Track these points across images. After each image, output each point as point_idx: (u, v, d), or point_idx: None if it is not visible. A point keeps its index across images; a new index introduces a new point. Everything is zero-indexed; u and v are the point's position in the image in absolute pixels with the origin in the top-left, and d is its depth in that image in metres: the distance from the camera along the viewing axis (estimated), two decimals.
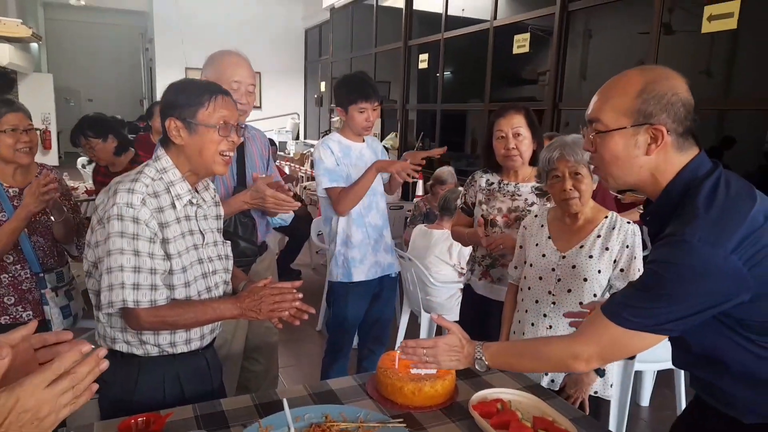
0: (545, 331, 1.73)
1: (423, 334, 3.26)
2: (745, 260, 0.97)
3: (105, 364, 0.74)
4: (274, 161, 3.80)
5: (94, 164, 3.44)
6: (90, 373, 0.72)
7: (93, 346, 0.77)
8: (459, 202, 2.39)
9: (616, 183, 1.16)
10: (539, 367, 1.41)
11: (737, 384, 1.10)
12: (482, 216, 2.22)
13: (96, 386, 0.73)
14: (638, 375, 3.11)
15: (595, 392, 1.72)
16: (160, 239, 1.37)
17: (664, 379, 3.12)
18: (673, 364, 1.25)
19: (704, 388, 1.20)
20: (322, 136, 3.69)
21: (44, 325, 2.43)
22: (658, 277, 1.04)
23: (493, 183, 2.24)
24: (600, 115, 1.13)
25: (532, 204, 2.15)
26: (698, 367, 1.18)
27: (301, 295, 1.45)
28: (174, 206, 1.41)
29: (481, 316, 2.18)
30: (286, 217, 2.76)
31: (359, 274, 2.48)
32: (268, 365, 2.40)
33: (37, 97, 9.45)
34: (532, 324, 1.76)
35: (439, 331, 3.31)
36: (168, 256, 1.38)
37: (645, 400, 3.14)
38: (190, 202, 1.46)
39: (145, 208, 1.34)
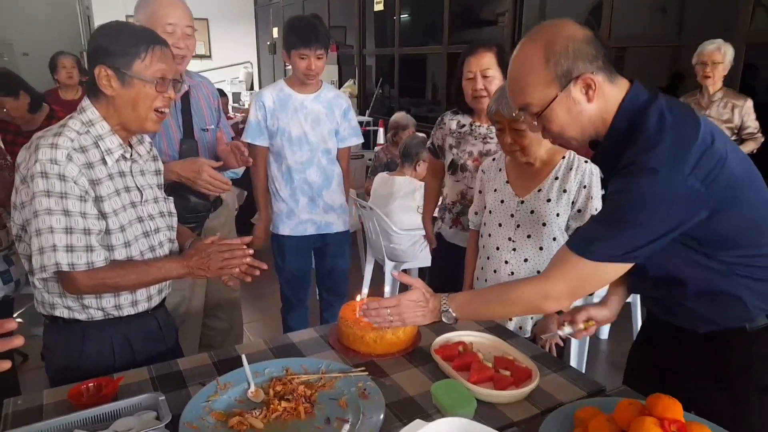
0: (507, 278, 1.72)
1: (387, 282, 3.26)
2: (701, 179, 1.01)
3: (19, 341, 0.69)
4: (225, 113, 3.63)
5: None
6: None
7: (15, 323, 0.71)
8: (428, 143, 2.32)
9: (579, 143, 1.17)
10: (509, 311, 1.40)
11: (693, 298, 1.15)
12: (452, 159, 2.16)
13: (7, 363, 0.68)
14: None
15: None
16: (92, 197, 1.27)
17: (621, 312, 3.24)
18: (630, 290, 1.29)
19: (659, 305, 1.26)
20: None
21: None
22: (621, 206, 1.06)
23: (464, 125, 2.17)
24: (527, 99, 1.13)
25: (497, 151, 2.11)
26: (655, 288, 1.22)
27: (251, 251, 1.39)
28: (105, 162, 1.31)
29: (453, 265, 2.16)
30: (237, 170, 2.65)
31: (285, 229, 2.46)
32: (231, 322, 2.36)
33: None
34: (495, 271, 1.75)
35: (421, 276, 3.34)
36: (103, 215, 1.29)
37: (604, 334, 3.26)
38: (123, 157, 1.36)
39: (72, 163, 1.23)
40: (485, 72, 2.01)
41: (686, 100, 3.26)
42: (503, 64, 2.04)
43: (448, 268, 2.21)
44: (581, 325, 1.30)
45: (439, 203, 2.34)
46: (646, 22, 4.09)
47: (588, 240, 1.10)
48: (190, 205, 1.93)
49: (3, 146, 3.09)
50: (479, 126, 2.15)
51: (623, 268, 1.11)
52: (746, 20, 3.24)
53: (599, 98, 1.09)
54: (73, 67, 4.20)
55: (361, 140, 2.59)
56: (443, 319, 1.30)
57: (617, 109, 1.10)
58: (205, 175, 1.79)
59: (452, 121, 2.20)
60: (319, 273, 2.66)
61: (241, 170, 2.18)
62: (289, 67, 2.42)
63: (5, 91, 2.76)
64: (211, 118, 2.14)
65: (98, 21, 9.40)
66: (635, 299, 2.94)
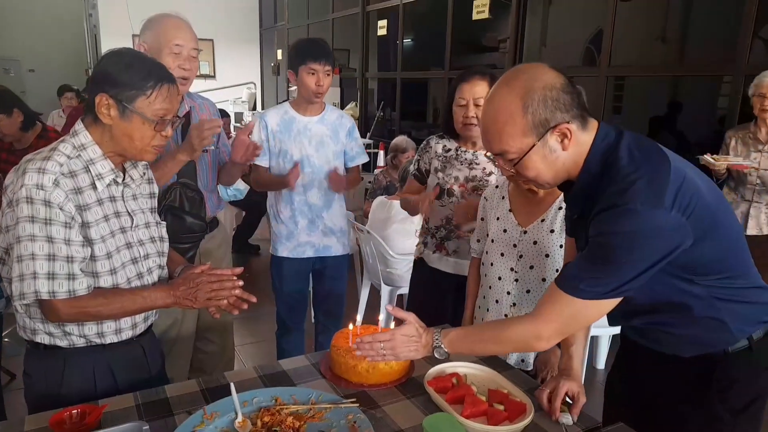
0: (509, 309, 1.69)
1: (383, 306, 3.23)
2: (682, 211, 1.04)
3: None
4: (227, 134, 3.64)
5: None
6: None
7: None
8: (412, 168, 2.29)
9: (552, 185, 1.21)
10: (500, 350, 1.40)
11: (678, 324, 1.19)
12: (438, 184, 2.15)
13: None
14: (594, 339, 3.18)
15: None
16: (79, 223, 1.25)
17: (618, 341, 3.20)
18: (610, 323, 1.30)
19: (640, 333, 1.28)
20: None
21: None
22: (607, 248, 1.07)
23: (450, 150, 2.16)
24: (503, 147, 1.14)
25: (490, 174, 2.10)
26: (636, 317, 1.23)
27: (241, 283, 1.36)
28: (95, 187, 1.29)
29: (436, 292, 2.14)
30: (241, 188, 2.64)
31: (284, 250, 2.44)
32: (223, 345, 2.33)
33: None
34: (496, 301, 1.72)
35: (400, 302, 3.31)
36: (89, 242, 1.26)
37: (601, 363, 3.22)
38: (115, 182, 1.34)
39: (59, 189, 1.20)
40: (477, 101, 2.01)
41: (737, 133, 3.08)
42: None
43: (431, 294, 2.18)
44: (574, 416, 1.25)
45: (422, 226, 2.31)
46: (645, 50, 4.13)
47: (577, 278, 1.11)
48: (186, 225, 1.92)
49: None
50: (465, 151, 2.13)
51: (613, 303, 1.12)
52: (744, 52, 3.26)
53: (573, 145, 1.12)
54: (71, 99, 4.39)
55: (367, 159, 2.59)
56: (435, 355, 1.29)
57: (589, 151, 1.13)
58: (201, 130, 1.79)
59: (438, 145, 2.19)
60: (316, 296, 2.63)
61: (245, 190, 2.18)
62: (293, 88, 2.43)
63: None
64: (212, 138, 2.14)
65: (105, 39, 9.49)
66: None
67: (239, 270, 1.39)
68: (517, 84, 1.10)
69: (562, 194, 1.64)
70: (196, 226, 1.95)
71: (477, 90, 2.01)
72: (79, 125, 1.31)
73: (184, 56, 1.90)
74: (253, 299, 1.38)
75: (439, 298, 2.13)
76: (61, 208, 1.21)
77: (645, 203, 1.02)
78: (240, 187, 2.38)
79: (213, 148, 2.13)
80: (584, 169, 1.13)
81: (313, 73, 2.26)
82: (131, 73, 1.25)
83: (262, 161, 2.36)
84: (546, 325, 1.16)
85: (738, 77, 3.28)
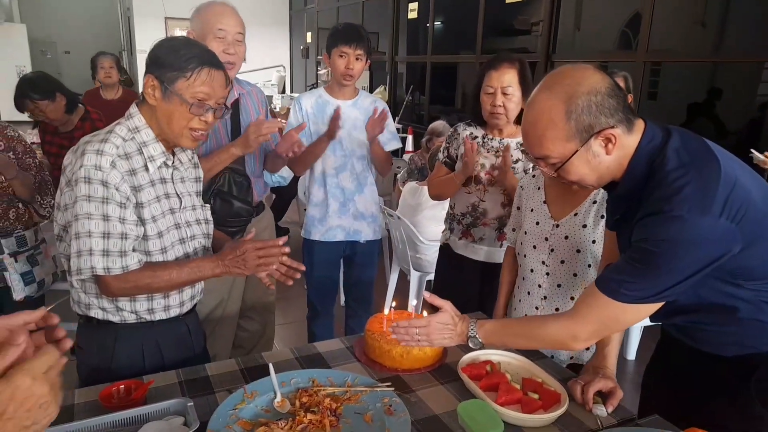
0: (540, 302, 1.69)
1: (412, 292, 3.25)
2: (732, 218, 1.00)
3: (68, 343, 0.72)
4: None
5: (36, 126, 3.17)
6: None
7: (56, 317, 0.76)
8: (441, 155, 2.28)
9: (596, 187, 1.21)
10: (535, 346, 1.40)
11: (721, 324, 1.17)
12: (475, 141, 2.12)
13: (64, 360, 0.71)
14: (625, 330, 3.15)
15: None
16: (133, 203, 1.30)
17: (650, 332, 3.17)
18: (651, 319, 1.27)
19: (681, 330, 1.26)
20: (309, 89, 3.58)
21: (5, 292, 2.37)
22: (652, 254, 1.05)
23: (477, 137, 2.15)
24: (545, 152, 1.12)
25: (517, 161, 2.08)
26: (678, 315, 1.21)
27: (288, 249, 1.40)
28: (147, 168, 1.33)
29: (462, 278, 2.14)
30: (285, 175, 2.68)
31: (315, 234, 2.46)
32: (264, 324, 2.39)
33: (12, 49, 9.04)
34: (528, 293, 1.72)
35: (429, 287, 3.32)
36: (142, 221, 1.31)
37: (632, 354, 3.19)
38: (165, 164, 1.38)
39: (115, 170, 1.26)
40: (506, 89, 1.99)
41: None
42: (525, 82, 2.02)
43: (456, 280, 2.17)
44: (609, 408, 1.25)
45: (447, 212, 2.31)
46: (684, 35, 4.00)
47: (618, 282, 1.10)
48: (234, 209, 1.97)
49: (42, 146, 3.19)
50: (492, 139, 2.12)
51: (654, 307, 1.11)
52: None
53: (618, 149, 1.09)
54: (111, 67, 4.28)
55: (400, 144, 2.59)
56: (470, 344, 1.31)
57: (634, 153, 1.10)
58: (259, 127, 1.85)
59: (465, 132, 2.17)
60: (347, 281, 2.67)
61: (289, 177, 2.21)
62: (322, 71, 2.44)
63: (42, 94, 2.82)
64: (269, 137, 2.18)
65: (138, 20, 9.63)
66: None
67: (284, 238, 1.43)
68: (559, 89, 1.08)
69: (599, 189, 1.63)
70: (243, 210, 2.00)
71: (505, 78, 1.99)
72: (133, 108, 1.35)
73: (228, 41, 1.94)
74: (302, 267, 1.43)
75: (464, 284, 2.14)
76: (117, 189, 1.26)
77: (692, 210, 0.99)
78: (284, 174, 2.41)
79: None
80: (629, 171, 1.11)
81: (343, 56, 2.27)
82: (176, 56, 1.29)
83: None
84: (584, 326, 1.16)
85: None
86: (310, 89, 4.31)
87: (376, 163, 2.45)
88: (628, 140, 1.10)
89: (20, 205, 2.38)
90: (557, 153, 1.10)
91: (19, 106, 2.85)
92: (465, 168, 2.09)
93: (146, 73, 1.31)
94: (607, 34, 4.69)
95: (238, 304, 2.18)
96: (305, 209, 2.58)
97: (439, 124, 4.13)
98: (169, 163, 1.39)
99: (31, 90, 2.80)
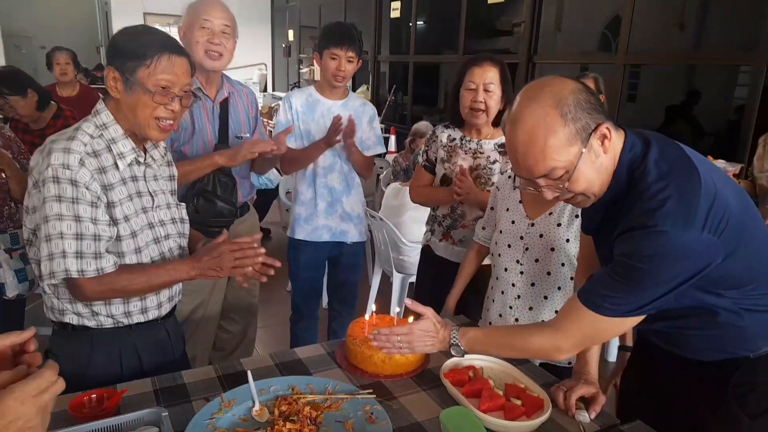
0: (514, 301, 1.69)
1: (395, 294, 3.23)
2: (713, 231, 1.00)
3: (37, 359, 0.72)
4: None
5: (7, 123, 3.04)
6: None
7: (32, 331, 0.74)
8: (420, 159, 2.27)
9: (599, 196, 1.12)
10: (518, 356, 1.39)
11: (700, 331, 1.17)
12: (444, 174, 2.13)
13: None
14: None
15: None
16: (105, 203, 1.25)
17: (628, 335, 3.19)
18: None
19: (659, 336, 1.26)
20: (291, 88, 3.54)
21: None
22: (635, 269, 1.04)
23: (455, 139, 2.14)
24: (550, 164, 1.05)
25: (495, 162, 2.07)
26: (658, 322, 1.20)
27: (263, 249, 1.36)
28: (117, 166, 1.29)
29: (443, 280, 2.12)
30: (272, 178, 2.64)
31: (301, 233, 2.43)
32: (246, 326, 2.35)
33: None
34: (502, 292, 1.72)
35: (411, 289, 3.31)
36: (114, 221, 1.27)
37: (612, 356, 3.20)
38: (136, 161, 1.34)
39: (84, 168, 1.21)
40: (488, 86, 1.98)
41: None
42: (505, 82, 2.02)
43: (436, 282, 2.17)
44: (591, 414, 1.25)
45: (429, 213, 2.30)
46: (662, 37, 4.05)
47: (601, 296, 1.09)
48: (216, 209, 1.94)
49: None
50: (470, 141, 2.11)
51: (636, 320, 1.11)
52: (767, 40, 3.18)
53: (610, 148, 1.08)
54: (67, 63, 4.07)
55: (384, 149, 2.57)
56: (452, 352, 1.29)
57: (618, 161, 1.09)
58: (253, 146, 1.87)
59: (443, 134, 2.17)
60: (331, 283, 2.64)
61: (276, 180, 2.18)
62: (304, 70, 2.42)
63: (13, 90, 2.75)
64: (248, 126, 2.17)
65: (116, 16, 9.46)
66: None
67: (258, 236, 1.40)
68: (544, 96, 1.04)
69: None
70: (226, 210, 1.97)
71: (488, 75, 1.99)
72: (100, 104, 1.31)
73: (214, 31, 1.92)
74: (278, 264, 1.39)
75: (445, 286, 2.13)
76: (87, 188, 1.21)
77: (675, 225, 0.98)
78: (271, 177, 2.38)
79: (248, 135, 2.14)
80: (615, 178, 1.09)
81: (334, 58, 2.25)
82: (135, 44, 1.25)
83: (290, 142, 2.35)
84: (567, 339, 1.16)
85: (760, 65, 3.21)
86: (292, 88, 4.28)
87: (356, 168, 2.42)
88: (615, 139, 1.08)
89: (12, 204, 2.33)
90: (564, 161, 1.05)
91: None
92: (452, 194, 2.06)
93: (107, 65, 1.26)
94: (587, 36, 4.73)
95: (219, 306, 2.15)
96: (287, 209, 2.55)
97: (422, 125, 4.15)
98: (141, 160, 1.35)
99: (2, 85, 2.72)
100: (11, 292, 2.33)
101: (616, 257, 1.08)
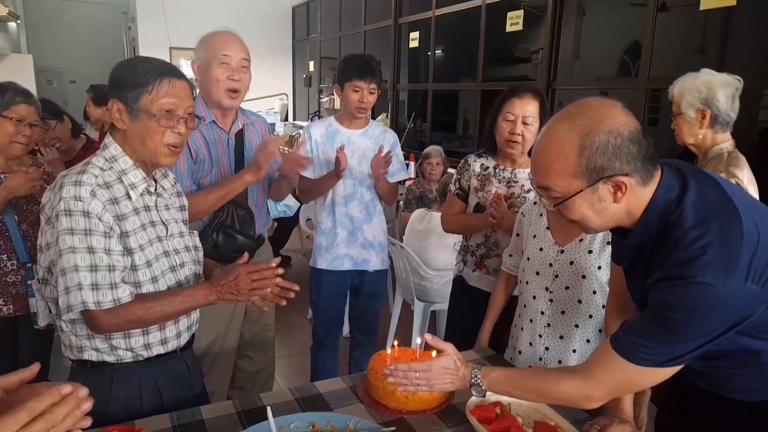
0: (543, 329, 1.64)
1: (416, 322, 3.18)
2: (757, 281, 0.95)
3: (87, 405, 0.70)
4: None
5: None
6: (69, 415, 0.68)
7: (71, 388, 0.71)
8: (452, 187, 2.25)
9: (598, 231, 1.14)
10: (543, 402, 1.32)
11: (738, 372, 1.12)
12: (478, 202, 2.11)
13: (88, 422, 0.69)
14: None
15: None
16: (118, 233, 1.26)
17: None
18: None
19: (697, 374, 1.19)
20: (311, 118, 3.58)
21: (23, 320, 2.33)
22: (674, 321, 0.99)
23: (488, 168, 2.12)
24: (548, 182, 1.05)
25: (529, 191, 2.05)
26: (697, 361, 1.13)
27: (281, 271, 1.34)
28: (129, 196, 1.30)
29: (476, 311, 2.08)
30: (291, 204, 2.65)
31: (323, 262, 2.42)
32: (265, 362, 2.32)
33: (17, 79, 9.07)
34: (531, 320, 1.67)
35: (433, 318, 3.25)
36: (129, 251, 1.27)
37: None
38: (148, 191, 1.35)
39: (96, 200, 1.22)
40: (526, 119, 1.96)
41: None
42: (545, 115, 1.99)
43: (469, 314, 2.11)
44: None
45: (461, 243, 2.27)
46: (682, 62, 4.01)
47: (636, 345, 1.04)
48: (237, 244, 1.93)
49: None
50: (503, 170, 2.09)
51: (673, 370, 1.05)
52: None
53: (628, 198, 1.02)
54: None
55: (407, 175, 2.57)
56: (472, 392, 1.24)
57: (648, 205, 1.03)
58: (266, 146, 1.87)
59: (476, 163, 2.15)
60: (352, 311, 2.61)
61: (295, 207, 2.18)
62: (324, 99, 2.45)
63: (53, 115, 2.86)
64: (277, 154, 2.16)
65: (143, 50, 9.73)
66: None
67: (277, 260, 1.37)
68: (580, 121, 1.00)
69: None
70: (247, 245, 1.96)
71: (528, 108, 1.97)
72: (108, 138, 1.32)
73: (233, 67, 1.93)
74: (296, 287, 1.36)
75: (478, 317, 2.08)
76: (99, 219, 1.21)
77: (717, 276, 0.93)
78: (290, 203, 2.38)
79: None
80: (642, 223, 1.05)
81: (357, 91, 2.27)
82: (134, 73, 1.26)
83: (307, 172, 2.36)
84: (598, 388, 1.10)
85: None
86: (312, 117, 4.32)
87: (382, 195, 2.43)
88: (641, 191, 1.03)
89: None
90: (560, 187, 1.04)
91: None
92: (487, 220, 2.03)
93: (110, 98, 1.28)
94: (606, 62, 4.71)
95: (235, 341, 2.12)
96: (308, 237, 2.55)
97: (429, 149, 4.30)
98: (152, 189, 1.36)
99: (42, 109, 2.83)
100: (43, 322, 2.33)
101: (651, 305, 1.03)
